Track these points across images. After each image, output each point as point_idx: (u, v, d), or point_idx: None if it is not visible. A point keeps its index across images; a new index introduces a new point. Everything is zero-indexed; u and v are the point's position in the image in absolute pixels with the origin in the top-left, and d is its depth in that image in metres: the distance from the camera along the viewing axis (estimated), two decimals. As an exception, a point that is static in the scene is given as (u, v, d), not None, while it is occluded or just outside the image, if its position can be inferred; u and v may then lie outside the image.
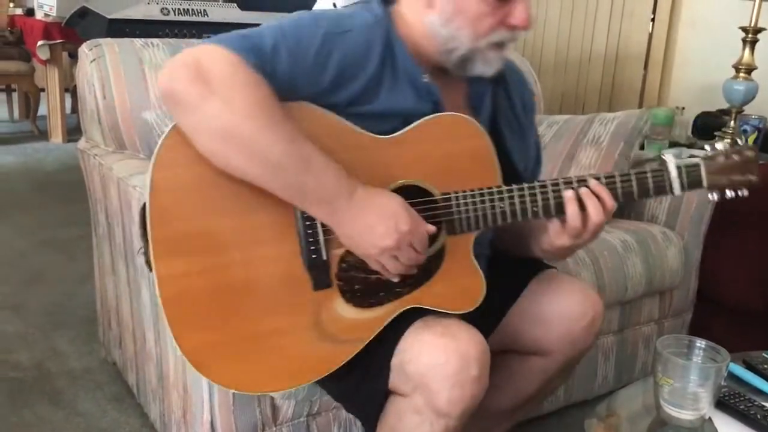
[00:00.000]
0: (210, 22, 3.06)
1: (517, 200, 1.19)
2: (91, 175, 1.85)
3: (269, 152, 1.04)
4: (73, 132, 4.83)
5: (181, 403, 1.48)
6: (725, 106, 2.73)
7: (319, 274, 1.13)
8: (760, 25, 2.60)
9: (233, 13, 3.25)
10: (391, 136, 1.16)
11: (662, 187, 1.23)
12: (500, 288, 1.29)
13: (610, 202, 1.19)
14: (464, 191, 1.18)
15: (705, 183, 1.23)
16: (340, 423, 1.50)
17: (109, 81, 1.74)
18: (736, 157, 1.23)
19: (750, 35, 2.62)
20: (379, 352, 1.16)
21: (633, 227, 1.99)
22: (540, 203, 1.19)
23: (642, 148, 2.50)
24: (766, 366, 1.33)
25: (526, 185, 1.20)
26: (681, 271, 2.00)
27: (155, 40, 1.87)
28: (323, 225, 1.12)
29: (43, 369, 2.07)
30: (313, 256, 1.12)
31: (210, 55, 1.04)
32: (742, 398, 1.21)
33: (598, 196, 1.19)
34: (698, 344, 1.19)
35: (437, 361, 1.10)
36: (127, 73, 1.76)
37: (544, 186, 1.20)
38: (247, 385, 1.14)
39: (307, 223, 1.12)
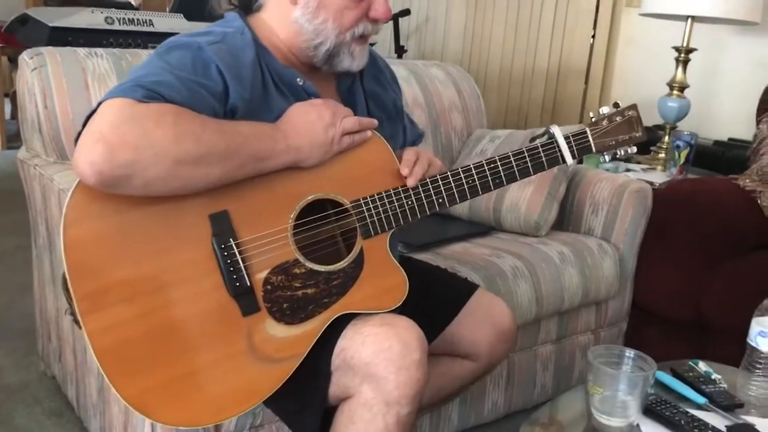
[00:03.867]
0: (155, 32, 3.03)
1: (422, 195, 1.27)
2: (31, 186, 1.82)
3: (215, 152, 1.08)
4: (13, 139, 4.71)
5: (122, 417, 1.47)
6: (661, 121, 2.84)
7: (245, 300, 1.16)
8: (692, 45, 2.72)
9: (179, 24, 3.22)
10: None
11: (555, 159, 1.34)
12: (440, 305, 1.43)
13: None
14: (372, 195, 1.24)
15: (594, 148, 1.35)
16: (284, 434, 1.51)
17: (50, 90, 1.72)
18: (618, 119, 1.37)
19: (682, 55, 2.74)
20: (316, 360, 1.19)
21: (570, 239, 2.05)
22: (444, 194, 1.29)
23: (581, 162, 2.58)
24: (691, 374, 1.39)
25: (429, 179, 1.28)
26: (616, 282, 2.07)
27: (99, 50, 1.85)
28: (241, 252, 1.15)
29: (-22, 383, 2.02)
30: (237, 284, 1.15)
31: (109, 120, 1.03)
32: (668, 405, 1.26)
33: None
34: (627, 354, 1.25)
35: (380, 348, 1.14)
36: (69, 82, 1.74)
37: (445, 177, 1.29)
38: (194, 419, 1.15)
39: (225, 253, 1.14)
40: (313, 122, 1.19)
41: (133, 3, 5.23)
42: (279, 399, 1.19)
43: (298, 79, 1.26)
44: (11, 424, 1.84)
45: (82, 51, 1.82)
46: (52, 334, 1.89)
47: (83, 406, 1.74)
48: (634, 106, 1.38)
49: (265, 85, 1.22)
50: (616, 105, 1.38)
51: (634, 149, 1.39)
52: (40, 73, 1.73)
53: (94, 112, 1.07)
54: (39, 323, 2.01)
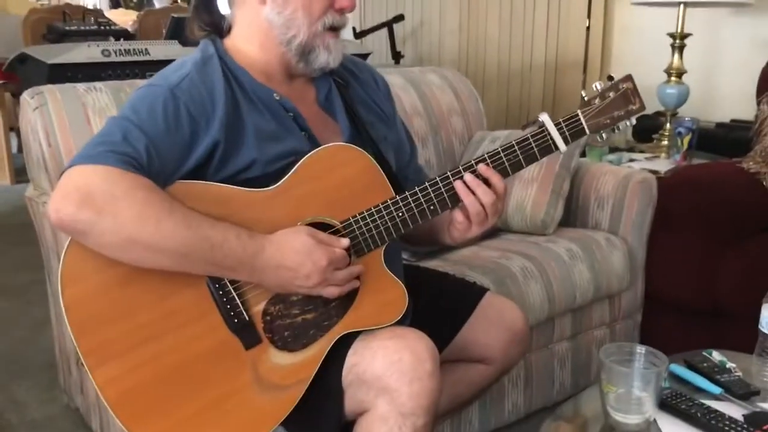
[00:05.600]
0: (152, 61, 3.06)
1: (413, 205, 1.24)
2: (41, 224, 1.84)
3: (171, 246, 1.08)
4: (22, 173, 4.76)
5: (146, 446, 1.49)
6: (661, 108, 2.84)
7: (246, 334, 1.18)
8: (687, 30, 2.71)
9: (174, 50, 3.25)
10: (279, 183, 1.21)
11: (547, 148, 1.26)
12: (451, 311, 1.42)
13: (498, 182, 1.24)
14: (361, 213, 1.23)
15: (587, 130, 1.27)
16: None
17: (53, 128, 1.75)
18: (612, 94, 1.27)
19: (678, 41, 2.73)
20: (327, 379, 1.20)
21: (577, 235, 2.06)
22: (435, 201, 1.24)
23: (583, 155, 2.58)
24: (705, 364, 1.39)
25: (417, 188, 1.24)
26: (627, 274, 2.07)
27: (98, 84, 1.88)
28: (236, 288, 1.17)
29: (3, 421, 2.05)
30: (236, 320, 1.17)
31: (82, 177, 1.07)
32: (684, 398, 1.27)
33: (485, 180, 1.24)
34: (639, 350, 1.25)
35: (392, 360, 1.15)
36: (71, 119, 1.76)
37: (434, 183, 1.25)
38: None
39: (220, 292, 1.16)
40: (295, 275, 1.15)
41: (129, 30, 5.28)
42: (296, 421, 1.20)
43: (274, 95, 1.27)
44: (39, 459, 1.87)
45: (81, 87, 1.84)
46: (72, 367, 1.92)
47: (108, 437, 1.76)
48: (628, 78, 1.29)
49: (236, 104, 1.23)
50: (610, 78, 1.29)
51: (633, 122, 1.31)
52: (42, 112, 1.75)
53: (72, 162, 1.10)
54: (59, 357, 2.03)
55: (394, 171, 1.34)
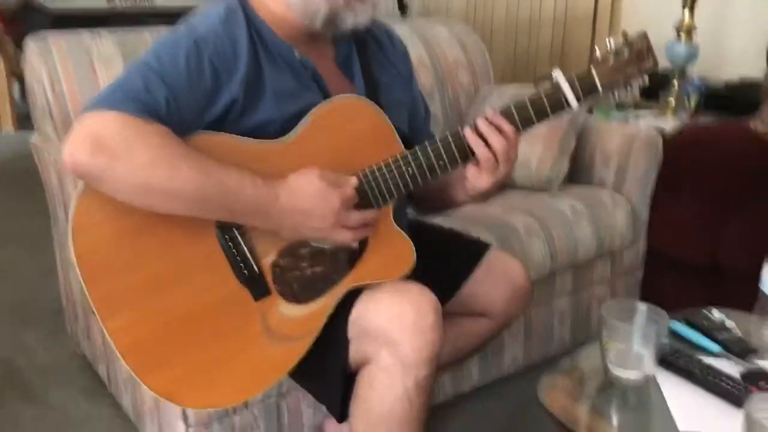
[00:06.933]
0: (157, 12, 3.01)
1: (423, 160, 1.22)
2: (47, 171, 1.85)
3: (186, 191, 1.08)
4: (25, 120, 4.74)
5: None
6: (670, 66, 2.81)
7: (255, 286, 1.19)
8: (699, -14, 2.66)
9: (181, 0, 3.20)
10: (289, 137, 1.20)
11: (559, 104, 1.23)
12: (454, 266, 1.43)
13: (509, 128, 1.22)
14: (371, 167, 1.22)
15: (600, 88, 1.23)
16: (309, 401, 1.56)
17: (57, 76, 1.74)
18: (626, 52, 1.23)
19: (689, -2, 2.69)
20: (334, 330, 1.22)
21: (582, 193, 2.06)
22: (445, 155, 1.22)
23: (591, 111, 2.57)
24: (705, 322, 1.41)
25: (427, 143, 1.23)
26: (630, 232, 2.08)
27: (102, 31, 1.86)
28: (245, 241, 1.18)
29: (12, 365, 2.09)
30: (245, 271, 1.18)
31: (98, 122, 1.06)
32: (683, 355, 1.28)
33: (497, 127, 1.22)
34: (640, 307, 1.26)
35: (395, 314, 1.17)
36: (75, 66, 1.76)
37: (444, 138, 1.23)
38: (221, 401, 1.23)
39: (230, 244, 1.17)
40: (309, 219, 1.16)
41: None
42: (302, 371, 1.23)
43: (296, 53, 1.25)
44: (47, 404, 1.91)
45: (85, 33, 1.83)
46: (79, 314, 1.94)
47: (115, 383, 1.80)
48: (643, 36, 1.25)
49: (258, 62, 1.21)
50: (624, 35, 1.25)
51: (647, 80, 1.26)
52: (46, 59, 1.75)
53: (90, 106, 1.10)
54: (65, 304, 2.06)
55: (406, 134, 1.33)
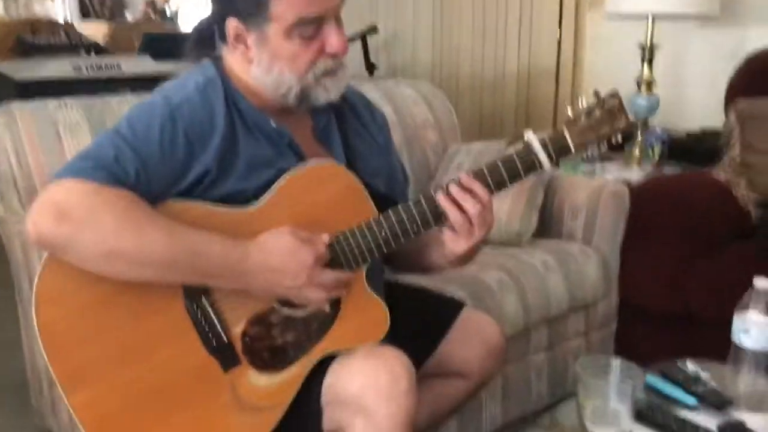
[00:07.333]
0: (124, 77, 3.01)
1: (395, 224, 1.21)
2: (11, 243, 1.81)
3: (154, 255, 1.08)
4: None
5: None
6: (632, 119, 2.87)
7: (224, 356, 1.17)
8: (656, 41, 2.75)
9: (147, 65, 3.21)
10: (260, 202, 1.19)
11: (531, 166, 1.22)
12: (428, 327, 1.42)
13: (482, 192, 1.21)
14: (343, 232, 1.21)
15: (573, 148, 1.22)
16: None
17: (23, 147, 1.72)
18: (598, 112, 1.22)
19: (647, 53, 2.77)
20: (306, 399, 1.20)
21: (552, 246, 2.07)
22: (418, 219, 1.21)
23: (557, 165, 2.60)
24: (681, 375, 1.41)
25: (401, 206, 1.22)
26: (601, 284, 2.09)
27: (69, 101, 1.86)
28: (214, 310, 1.16)
29: (-26, 444, 2.01)
30: (214, 341, 1.16)
31: (62, 191, 1.07)
32: (659, 409, 1.28)
33: (469, 191, 1.21)
34: (614, 363, 1.26)
35: (368, 379, 1.15)
36: (41, 137, 1.74)
37: (417, 202, 1.22)
38: None
39: (198, 313, 1.15)
40: (282, 277, 1.15)
41: (100, 43, 5.23)
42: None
43: (271, 122, 1.24)
44: (11, 483, 1.83)
45: (51, 103, 1.82)
46: (44, 388, 1.89)
47: (82, 459, 1.73)
48: (615, 94, 1.24)
49: (234, 132, 1.21)
50: (596, 94, 1.24)
51: (620, 139, 1.25)
52: (11, 131, 1.73)
53: (57, 174, 1.09)
54: (30, 377, 2.00)
55: (384, 199, 1.30)
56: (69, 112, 1.81)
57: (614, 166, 2.76)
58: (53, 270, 1.09)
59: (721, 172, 2.28)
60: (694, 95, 3.08)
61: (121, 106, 1.86)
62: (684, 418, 1.26)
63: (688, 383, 1.38)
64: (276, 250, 1.14)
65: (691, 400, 1.33)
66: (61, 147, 1.75)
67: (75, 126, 1.79)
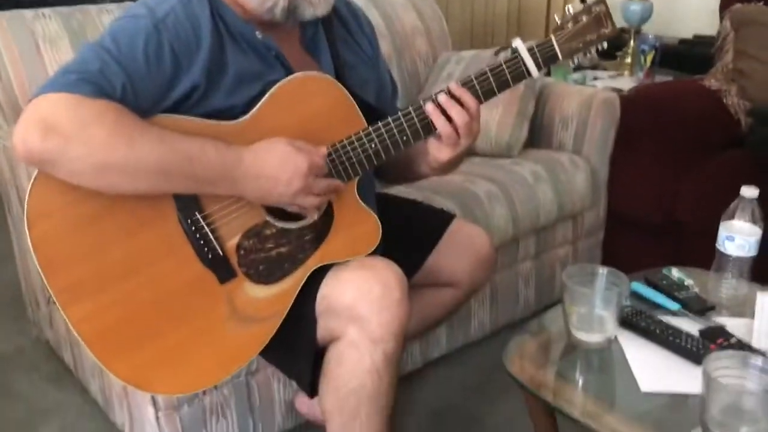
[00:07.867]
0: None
1: (386, 135, 1.21)
2: (-4, 158, 1.80)
3: (147, 164, 1.06)
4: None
5: (120, 377, 1.51)
6: (625, 25, 2.82)
7: (220, 268, 1.18)
8: (651, -56, 2.67)
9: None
10: (250, 114, 1.18)
11: (520, 74, 1.22)
12: (419, 238, 1.44)
13: (471, 102, 1.21)
14: (333, 144, 1.21)
15: (560, 55, 1.23)
16: (279, 377, 1.56)
17: (2, 60, 1.68)
18: (585, 18, 1.23)
19: (642, -44, 2.69)
20: (301, 309, 1.22)
21: (542, 157, 2.07)
22: (408, 130, 1.21)
23: (548, 74, 2.57)
24: (665, 282, 1.44)
25: (390, 118, 1.21)
26: (590, 194, 2.10)
27: (46, 11, 1.79)
28: (208, 223, 1.16)
29: (-28, 355, 2.05)
30: (209, 255, 1.17)
31: (49, 105, 1.04)
32: (643, 315, 1.31)
33: (458, 100, 1.21)
34: (600, 271, 1.28)
35: (361, 290, 1.17)
36: (21, 50, 1.70)
37: (407, 113, 1.21)
38: (189, 386, 1.22)
39: (193, 227, 1.15)
40: (276, 183, 1.14)
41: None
42: (271, 349, 1.23)
43: (257, 33, 1.21)
44: (12, 392, 1.88)
45: (28, 13, 1.76)
46: (40, 301, 1.91)
47: (81, 369, 1.78)
48: (601, 1, 1.24)
49: (221, 45, 1.18)
50: (583, 1, 1.25)
51: (605, 45, 1.27)
52: (-11, 43, 1.68)
53: (41, 89, 1.06)
54: (25, 290, 2.02)
55: (374, 110, 1.30)
56: (47, 23, 1.75)
57: (606, 74, 2.73)
58: (43, 185, 1.08)
59: (712, 80, 2.26)
60: (689, 2, 3.01)
61: (101, 16, 1.81)
62: (667, 323, 1.29)
63: (671, 289, 1.41)
64: (270, 157, 1.14)
65: (674, 306, 1.36)
66: (42, 60, 1.71)
67: (55, 37, 1.74)
